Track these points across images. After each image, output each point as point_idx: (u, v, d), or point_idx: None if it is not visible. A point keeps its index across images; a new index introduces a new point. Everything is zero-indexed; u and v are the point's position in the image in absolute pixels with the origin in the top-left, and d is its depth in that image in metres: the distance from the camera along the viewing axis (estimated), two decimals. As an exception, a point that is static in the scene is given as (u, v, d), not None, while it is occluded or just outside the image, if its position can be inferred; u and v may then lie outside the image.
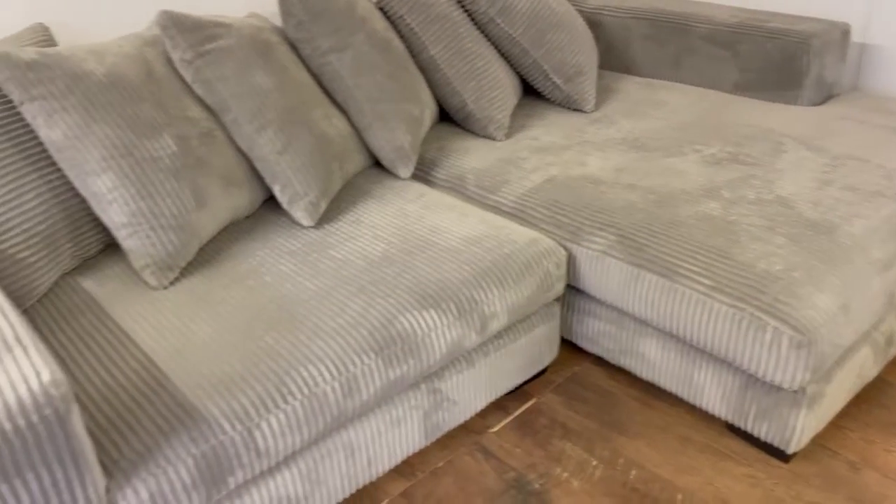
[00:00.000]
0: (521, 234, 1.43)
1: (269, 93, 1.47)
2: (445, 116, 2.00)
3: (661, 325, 1.35)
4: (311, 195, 1.48)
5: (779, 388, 1.27)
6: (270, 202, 1.59)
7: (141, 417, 1.02)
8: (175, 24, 1.40)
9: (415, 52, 1.80)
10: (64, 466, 0.87)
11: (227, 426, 1.02)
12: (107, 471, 0.96)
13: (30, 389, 0.83)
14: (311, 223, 1.48)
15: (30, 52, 1.26)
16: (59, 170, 1.32)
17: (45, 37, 1.48)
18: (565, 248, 1.47)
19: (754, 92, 2.04)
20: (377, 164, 1.76)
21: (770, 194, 1.48)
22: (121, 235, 1.31)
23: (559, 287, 1.44)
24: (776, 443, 1.32)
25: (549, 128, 1.89)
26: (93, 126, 1.27)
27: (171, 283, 1.32)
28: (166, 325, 1.20)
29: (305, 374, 1.11)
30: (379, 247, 1.40)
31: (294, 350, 1.14)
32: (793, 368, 1.20)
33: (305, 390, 1.09)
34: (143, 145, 1.31)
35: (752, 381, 1.30)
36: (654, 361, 1.43)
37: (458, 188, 1.69)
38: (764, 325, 1.21)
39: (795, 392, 1.25)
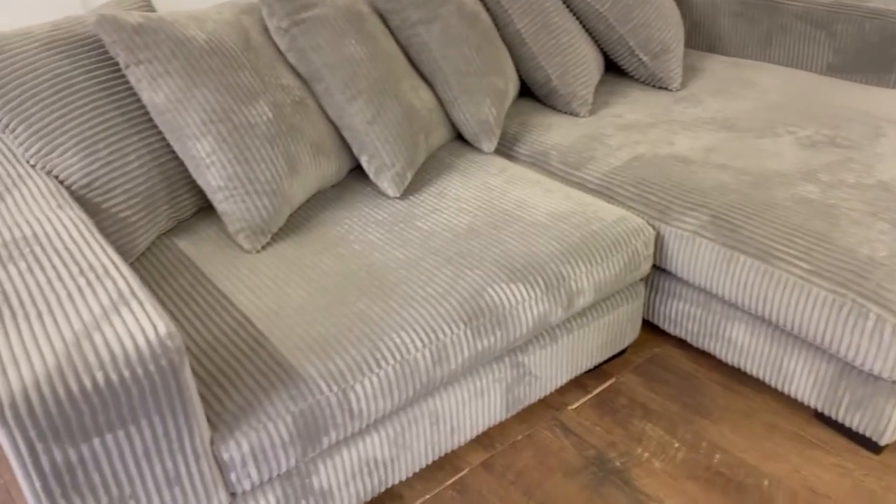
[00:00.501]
0: (609, 211, 1.41)
1: (361, 63, 1.48)
2: (525, 92, 1.98)
3: (752, 308, 1.32)
4: (398, 166, 1.49)
5: (877, 378, 1.23)
6: (355, 172, 1.61)
7: (241, 374, 1.05)
8: (273, -9, 1.42)
9: (500, 26, 1.79)
10: (175, 416, 0.90)
11: (323, 386, 1.05)
12: (211, 423, 0.99)
13: (147, 340, 0.86)
14: (397, 194, 1.49)
15: (136, 16, 1.30)
16: (158, 132, 1.36)
17: (144, 2, 1.52)
18: (654, 228, 1.44)
19: (849, 74, 1.96)
20: (459, 137, 1.76)
21: (870, 178, 1.42)
22: (217, 199, 1.34)
23: (646, 267, 1.42)
24: (868, 433, 1.28)
25: (634, 105, 1.85)
26: (194, 91, 1.30)
27: (264, 248, 1.35)
28: (261, 287, 1.23)
29: (398, 340, 1.12)
30: (464, 219, 1.40)
31: (386, 316, 1.15)
32: (895, 357, 1.16)
33: (398, 356, 1.11)
34: (240, 111, 1.34)
35: (847, 369, 1.26)
36: (742, 346, 1.40)
37: (540, 164, 1.67)
38: (866, 311, 1.17)
39: (894, 382, 1.21)
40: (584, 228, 1.35)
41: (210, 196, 1.35)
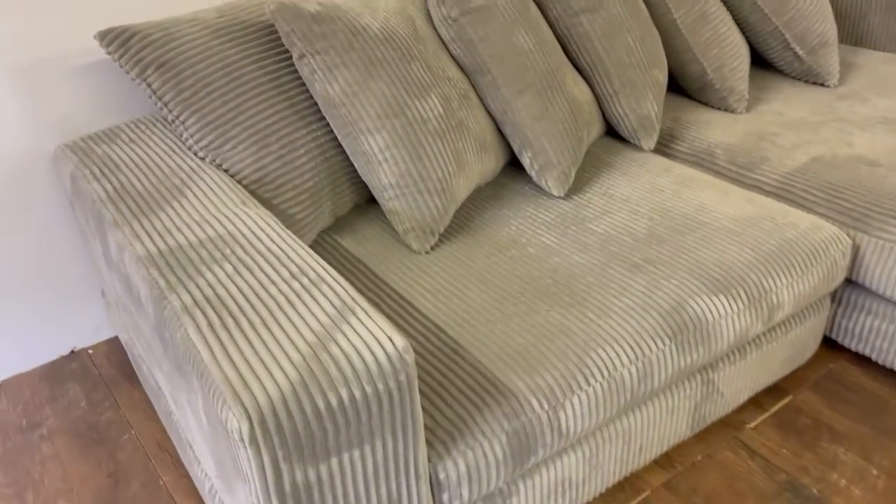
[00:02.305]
0: (799, 217, 1.31)
1: (529, 54, 1.40)
2: (672, 85, 1.88)
3: (967, 328, 1.21)
4: (564, 164, 1.41)
5: None
6: (508, 168, 1.54)
7: (447, 386, 0.99)
8: (445, -22, 1.35)
9: (656, 14, 1.69)
10: (405, 434, 0.84)
11: (535, 403, 0.98)
12: (426, 441, 0.94)
13: (386, 354, 0.80)
14: (561, 193, 1.41)
15: (313, 4, 1.24)
16: (325, 126, 1.31)
17: (297, -10, 1.46)
18: (848, 237, 1.34)
19: None
20: (609, 132, 1.67)
21: None
22: (385, 197, 1.28)
23: (840, 279, 1.32)
24: None
25: (791, 102, 1.74)
26: (370, 83, 1.24)
27: (432, 248, 1.29)
28: (440, 291, 1.17)
29: (604, 355, 1.05)
30: (641, 223, 1.32)
31: (586, 328, 1.08)
32: None
33: (605, 372, 1.03)
34: (413, 105, 1.27)
35: None
36: (945, 367, 1.29)
37: (705, 163, 1.57)
38: None
39: None
40: (777, 236, 1.26)
41: (378, 194, 1.29)
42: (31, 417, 1.44)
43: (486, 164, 1.42)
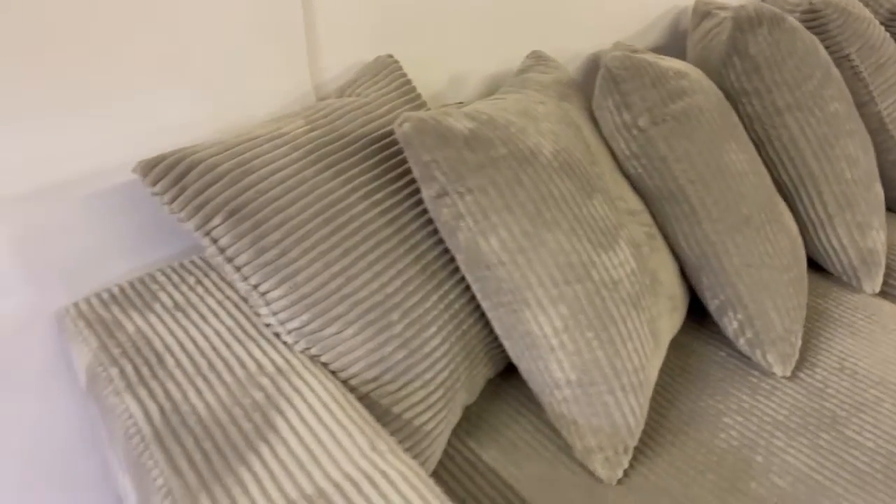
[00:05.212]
0: None
1: (744, 176, 0.99)
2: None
3: None
4: (792, 332, 1.00)
5: None
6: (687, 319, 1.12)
7: None
8: (633, 75, 0.94)
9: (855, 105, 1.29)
10: None
11: None
12: None
13: None
14: (787, 373, 0.99)
15: (461, 119, 0.83)
16: (459, 284, 0.89)
17: (401, 74, 1.06)
18: None
19: None
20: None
21: None
22: (558, 397, 0.86)
23: None
24: None
25: None
26: (544, 234, 0.83)
27: (625, 474, 0.87)
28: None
29: None
30: (923, 428, 0.90)
31: None
32: None
33: None
34: (601, 262, 0.86)
35: None
36: None
37: (952, 314, 1.16)
38: None
39: None
40: None
41: (544, 391, 0.87)
42: None
43: (676, 328, 1.01)
